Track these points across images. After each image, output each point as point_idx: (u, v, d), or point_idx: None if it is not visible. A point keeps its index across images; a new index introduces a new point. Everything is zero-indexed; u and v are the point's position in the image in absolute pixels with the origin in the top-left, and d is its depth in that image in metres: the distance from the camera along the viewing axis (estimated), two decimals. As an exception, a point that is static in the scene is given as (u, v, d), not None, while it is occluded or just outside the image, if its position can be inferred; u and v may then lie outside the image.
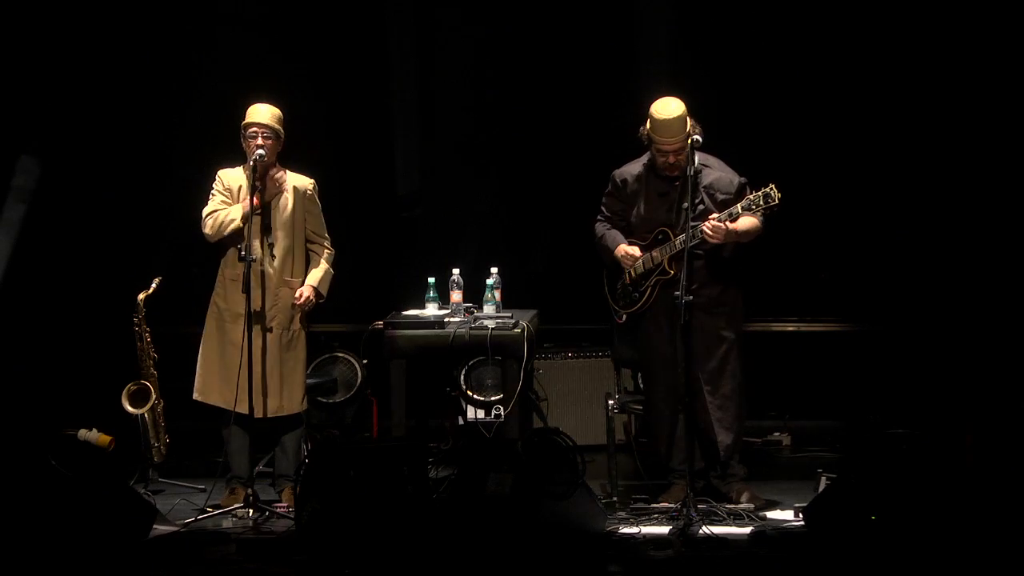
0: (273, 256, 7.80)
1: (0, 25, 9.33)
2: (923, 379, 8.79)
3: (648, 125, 7.58)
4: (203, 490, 8.11)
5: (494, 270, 8.11)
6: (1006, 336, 8.63)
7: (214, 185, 7.88)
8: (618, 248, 7.77)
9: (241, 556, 6.92)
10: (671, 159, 7.56)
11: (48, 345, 9.31)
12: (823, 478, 7.68)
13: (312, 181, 7.95)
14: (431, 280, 8.12)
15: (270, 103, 7.82)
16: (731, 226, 7.46)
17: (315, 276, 7.92)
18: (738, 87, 9.46)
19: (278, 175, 7.84)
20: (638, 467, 8.11)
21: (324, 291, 7.95)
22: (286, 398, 7.83)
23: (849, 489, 6.89)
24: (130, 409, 8.30)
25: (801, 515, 7.22)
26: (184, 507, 7.83)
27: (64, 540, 6.80)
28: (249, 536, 7.25)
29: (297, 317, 7.88)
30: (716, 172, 7.65)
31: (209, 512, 7.63)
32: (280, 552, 6.93)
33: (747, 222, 7.53)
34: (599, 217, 7.91)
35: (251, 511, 7.55)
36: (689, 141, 7.45)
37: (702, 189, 7.57)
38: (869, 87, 9.38)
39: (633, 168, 7.80)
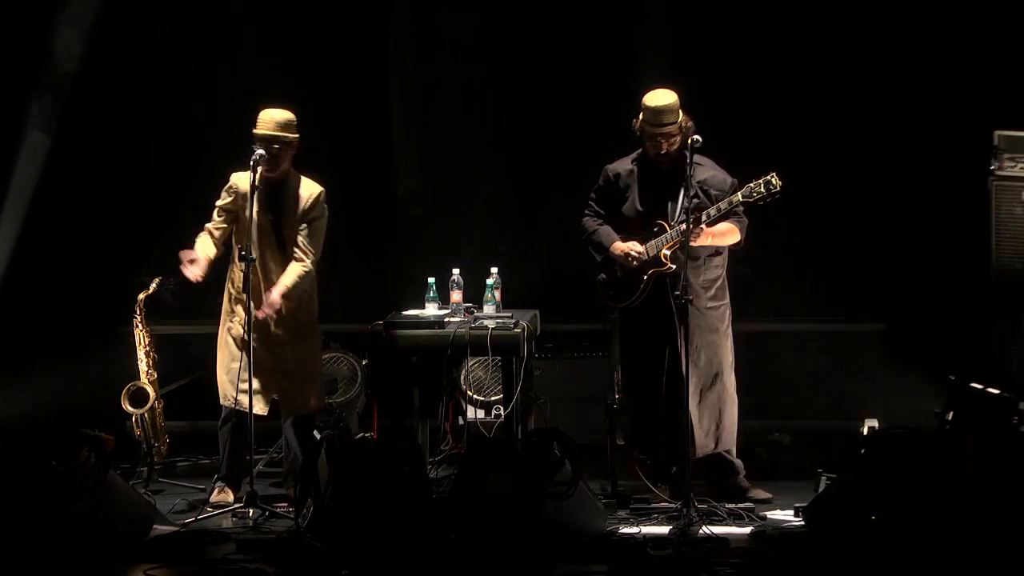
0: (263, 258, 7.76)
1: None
2: (923, 378, 8.78)
3: (641, 116, 7.62)
4: (203, 490, 8.11)
5: (494, 270, 8.11)
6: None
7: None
8: (615, 246, 7.77)
9: (241, 556, 6.92)
10: (663, 148, 7.59)
11: (48, 345, 9.31)
12: (823, 478, 7.68)
13: (318, 190, 7.82)
14: (431, 280, 8.12)
15: (275, 104, 7.75)
16: (707, 230, 7.55)
17: (281, 280, 7.77)
18: (736, 86, 9.46)
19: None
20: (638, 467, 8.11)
21: (290, 290, 7.72)
22: (301, 396, 7.84)
23: (849, 489, 6.89)
24: (130, 409, 8.31)
25: (801, 515, 7.23)
26: (184, 507, 7.84)
27: (63, 539, 6.82)
28: (249, 536, 7.25)
29: (311, 308, 7.84)
30: (710, 170, 7.71)
31: (209, 512, 7.63)
32: (280, 552, 6.92)
33: (723, 227, 7.64)
34: (588, 212, 7.93)
35: (251, 511, 7.56)
36: (689, 141, 7.47)
37: (696, 184, 7.61)
38: (868, 85, 9.39)
39: (625, 163, 7.84)
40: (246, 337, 7.55)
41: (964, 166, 8.63)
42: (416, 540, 6.86)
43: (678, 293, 7.36)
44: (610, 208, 7.86)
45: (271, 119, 7.70)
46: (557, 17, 9.81)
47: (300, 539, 6.99)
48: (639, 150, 7.78)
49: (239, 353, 7.70)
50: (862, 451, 6.96)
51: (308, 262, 7.77)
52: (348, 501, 6.92)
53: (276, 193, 7.76)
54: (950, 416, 7.26)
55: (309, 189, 7.83)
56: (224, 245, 7.83)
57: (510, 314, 7.99)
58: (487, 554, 6.81)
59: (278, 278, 7.74)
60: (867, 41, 9.37)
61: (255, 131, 7.69)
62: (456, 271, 8.06)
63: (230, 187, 7.81)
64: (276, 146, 7.67)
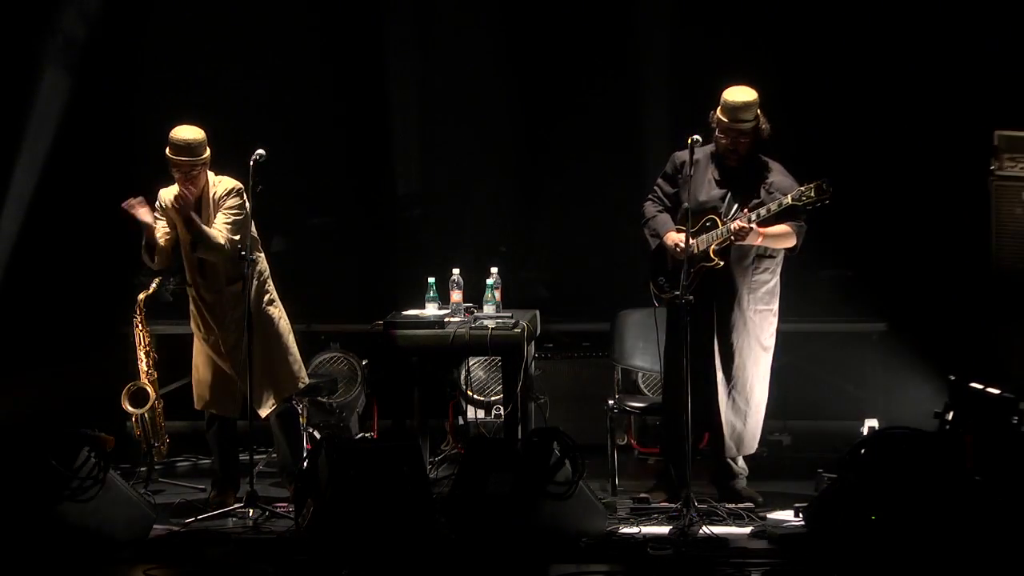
0: (204, 270, 7.72)
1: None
2: (924, 378, 8.78)
3: (719, 109, 7.57)
4: (203, 490, 8.11)
5: (494, 270, 8.10)
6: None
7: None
8: (668, 235, 7.68)
9: (241, 556, 6.93)
10: (732, 144, 7.52)
11: (49, 345, 9.31)
12: (823, 478, 7.69)
13: (232, 185, 7.66)
14: (431, 280, 8.12)
15: (183, 121, 7.58)
16: (759, 230, 7.49)
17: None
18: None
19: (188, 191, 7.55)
20: (638, 467, 8.12)
21: (204, 231, 7.51)
22: (282, 384, 7.82)
23: (849, 489, 6.89)
24: (130, 409, 8.31)
25: (801, 515, 7.23)
26: (184, 507, 7.84)
27: (63, 539, 6.83)
28: (249, 536, 7.25)
29: (259, 301, 7.79)
30: (779, 175, 7.63)
31: (209, 512, 7.63)
32: (280, 552, 6.93)
33: (777, 229, 7.55)
34: (650, 197, 7.83)
35: (251, 511, 7.55)
36: (689, 141, 7.44)
37: (764, 185, 7.58)
38: (869, 85, 9.39)
39: (696, 153, 7.69)
40: (215, 349, 7.68)
41: (964, 166, 8.63)
42: (416, 540, 6.86)
43: (678, 292, 7.35)
44: (671, 197, 7.78)
45: (185, 144, 7.53)
46: (559, 18, 9.81)
47: (300, 539, 7.00)
48: (712, 144, 7.66)
49: (206, 361, 7.76)
50: (862, 451, 6.96)
51: (223, 239, 7.58)
52: (348, 501, 6.92)
53: (196, 210, 7.65)
54: (950, 416, 7.26)
55: (222, 185, 7.68)
56: (170, 251, 7.72)
57: (510, 314, 7.98)
58: (487, 554, 6.81)
59: (208, 294, 7.69)
60: (867, 41, 9.37)
61: (172, 156, 7.53)
62: (456, 271, 8.06)
63: (158, 205, 7.73)
64: (195, 170, 7.58)
